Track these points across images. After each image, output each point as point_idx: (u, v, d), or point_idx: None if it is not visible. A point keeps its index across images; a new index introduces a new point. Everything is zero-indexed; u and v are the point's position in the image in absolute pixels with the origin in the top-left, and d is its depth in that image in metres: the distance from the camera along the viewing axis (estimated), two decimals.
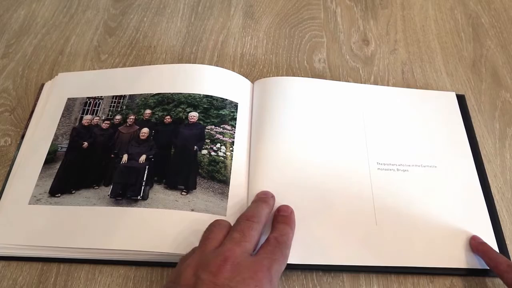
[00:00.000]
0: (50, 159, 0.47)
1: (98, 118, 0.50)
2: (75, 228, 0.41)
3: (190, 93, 0.50)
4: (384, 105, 0.51)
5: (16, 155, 0.48)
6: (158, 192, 0.43)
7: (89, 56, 0.58)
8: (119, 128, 0.49)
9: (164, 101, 0.50)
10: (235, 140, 0.47)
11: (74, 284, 0.41)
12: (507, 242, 0.43)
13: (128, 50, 0.59)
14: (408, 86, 0.55)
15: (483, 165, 0.48)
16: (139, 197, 0.43)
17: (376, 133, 0.49)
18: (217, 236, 0.36)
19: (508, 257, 0.42)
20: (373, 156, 0.47)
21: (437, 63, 0.58)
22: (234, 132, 0.48)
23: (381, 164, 0.46)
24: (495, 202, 0.46)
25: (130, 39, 0.60)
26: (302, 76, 0.56)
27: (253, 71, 0.57)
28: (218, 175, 0.45)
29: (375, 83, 0.56)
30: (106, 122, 0.49)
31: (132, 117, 0.49)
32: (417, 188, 0.45)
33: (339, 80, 0.55)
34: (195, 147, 0.46)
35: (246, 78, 0.53)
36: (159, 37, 0.60)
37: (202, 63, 0.57)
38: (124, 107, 0.50)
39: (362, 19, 0.63)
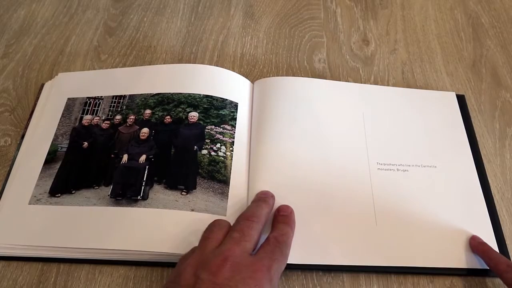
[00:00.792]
0: (50, 159, 0.47)
1: (98, 118, 0.50)
2: (75, 228, 0.41)
3: (190, 93, 0.50)
4: (384, 105, 0.51)
5: (16, 155, 0.48)
6: (158, 192, 0.43)
7: (89, 56, 0.58)
8: (119, 128, 0.49)
9: (164, 101, 0.50)
10: (235, 140, 0.47)
11: (74, 284, 0.41)
12: (507, 242, 0.43)
13: (128, 50, 0.59)
14: (408, 86, 0.55)
15: (483, 165, 0.48)
16: (139, 197, 0.43)
17: (376, 133, 0.49)
18: (217, 236, 0.36)
19: (508, 257, 0.42)
20: (373, 156, 0.47)
21: (437, 63, 0.58)
22: (234, 132, 0.48)
23: (381, 164, 0.46)
24: (495, 202, 0.46)
25: (130, 39, 0.60)
26: (302, 76, 0.56)
27: (253, 71, 0.57)
28: (218, 175, 0.45)
29: (375, 83, 0.56)
30: (106, 122, 0.49)
31: (132, 117, 0.49)
32: (417, 188, 0.45)
33: (339, 80, 0.55)
34: (195, 147, 0.46)
35: (246, 78, 0.53)
36: (159, 37, 0.60)
37: (202, 63, 0.57)
38: (124, 107, 0.50)
39: (362, 19, 0.63)
